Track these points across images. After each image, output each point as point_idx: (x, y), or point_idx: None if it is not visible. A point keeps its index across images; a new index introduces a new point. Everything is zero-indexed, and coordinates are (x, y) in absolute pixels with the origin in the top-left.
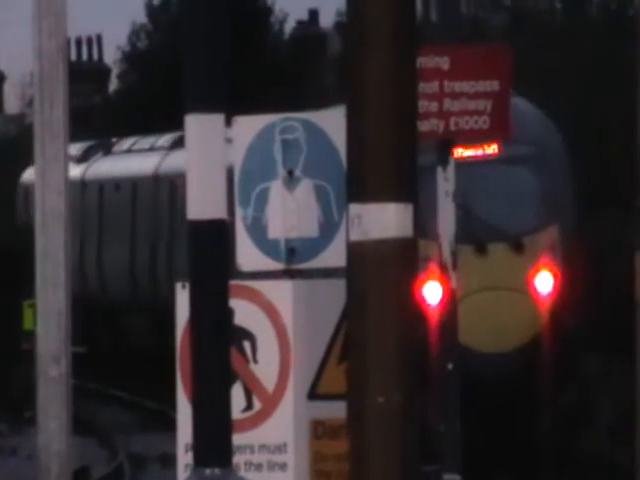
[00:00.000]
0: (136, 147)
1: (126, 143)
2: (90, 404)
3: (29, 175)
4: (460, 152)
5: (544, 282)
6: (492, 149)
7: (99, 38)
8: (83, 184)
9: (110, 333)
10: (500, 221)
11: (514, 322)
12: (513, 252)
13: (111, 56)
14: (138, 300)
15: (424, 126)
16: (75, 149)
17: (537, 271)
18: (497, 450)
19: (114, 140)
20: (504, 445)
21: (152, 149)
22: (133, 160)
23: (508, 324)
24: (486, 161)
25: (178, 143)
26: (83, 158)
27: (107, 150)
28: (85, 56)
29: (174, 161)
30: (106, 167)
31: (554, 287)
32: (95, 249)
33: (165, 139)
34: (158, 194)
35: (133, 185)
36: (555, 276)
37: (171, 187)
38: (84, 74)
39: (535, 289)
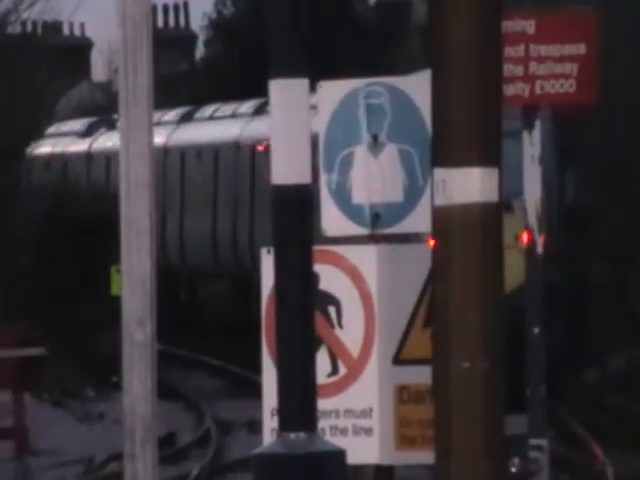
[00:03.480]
0: (218, 114)
1: (208, 110)
2: (177, 370)
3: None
4: None
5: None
6: None
7: (186, 5)
8: (165, 151)
9: (194, 301)
10: None
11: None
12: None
13: (197, 23)
14: (221, 267)
15: (509, 90)
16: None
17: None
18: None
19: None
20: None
21: (234, 116)
22: (215, 127)
23: None
24: None
25: (260, 110)
26: (87, 133)
27: (110, 125)
28: (172, 23)
29: (256, 128)
30: (188, 134)
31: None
32: (177, 217)
33: (247, 106)
34: (240, 161)
35: (215, 152)
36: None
37: (253, 154)
38: (170, 41)
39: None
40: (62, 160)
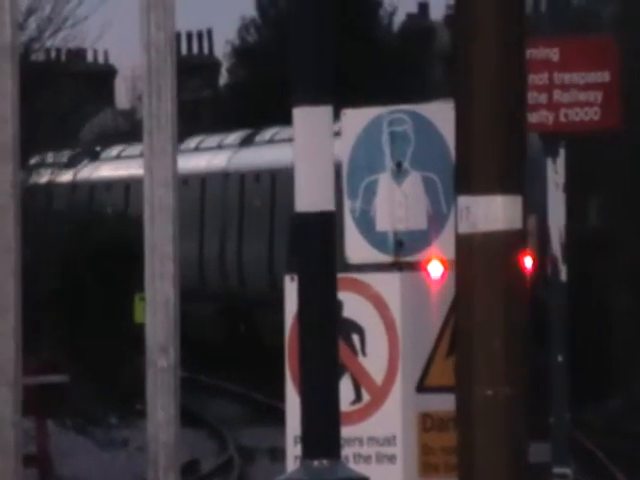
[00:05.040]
0: (278, 137)
1: (268, 133)
2: (200, 397)
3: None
4: None
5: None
6: None
7: (209, 32)
8: (225, 175)
9: (253, 330)
10: None
11: None
12: None
13: (221, 50)
14: (278, 295)
15: (533, 118)
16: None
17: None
18: None
19: (98, 149)
20: None
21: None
22: (274, 151)
23: None
24: None
25: None
26: (69, 164)
27: (94, 157)
28: (195, 50)
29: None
30: (247, 158)
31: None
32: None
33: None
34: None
35: (272, 176)
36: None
37: None
38: (194, 68)
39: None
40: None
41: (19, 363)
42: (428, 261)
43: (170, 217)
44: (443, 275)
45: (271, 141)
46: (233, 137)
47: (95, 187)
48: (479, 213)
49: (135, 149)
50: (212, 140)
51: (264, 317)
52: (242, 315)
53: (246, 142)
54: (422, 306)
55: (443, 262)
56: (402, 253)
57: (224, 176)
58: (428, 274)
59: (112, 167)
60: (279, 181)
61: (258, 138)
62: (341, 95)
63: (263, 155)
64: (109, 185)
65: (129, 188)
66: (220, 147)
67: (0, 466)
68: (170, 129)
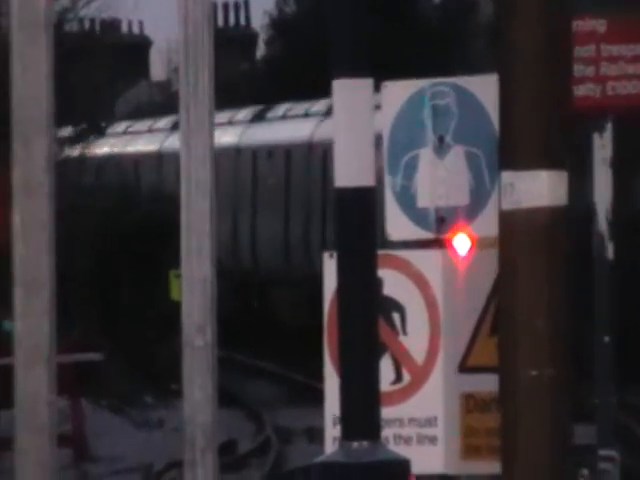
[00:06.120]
0: (291, 113)
1: (280, 109)
2: (237, 377)
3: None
4: None
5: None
6: None
7: (246, 3)
8: (237, 150)
9: (262, 306)
10: None
11: None
12: None
13: (258, 22)
14: (291, 272)
15: (580, 91)
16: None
17: None
18: None
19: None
20: None
21: (307, 115)
22: (287, 126)
23: None
24: None
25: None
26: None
27: (100, 133)
28: (232, 21)
29: (329, 128)
30: (260, 133)
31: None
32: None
33: (320, 105)
34: (312, 162)
35: (287, 152)
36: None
37: (325, 155)
38: (231, 40)
39: None
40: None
41: (54, 341)
42: (453, 236)
43: (207, 193)
44: (470, 251)
45: (284, 117)
46: (245, 113)
47: (128, 161)
48: (523, 189)
49: (169, 121)
50: (223, 116)
51: (279, 294)
52: (255, 292)
53: (258, 118)
54: (464, 284)
55: (471, 237)
56: (444, 230)
57: (236, 152)
58: (455, 250)
59: (146, 140)
60: (293, 157)
61: (270, 114)
62: (382, 68)
63: (276, 131)
64: (141, 159)
65: (162, 161)
66: (231, 123)
67: (35, 445)
68: (208, 103)
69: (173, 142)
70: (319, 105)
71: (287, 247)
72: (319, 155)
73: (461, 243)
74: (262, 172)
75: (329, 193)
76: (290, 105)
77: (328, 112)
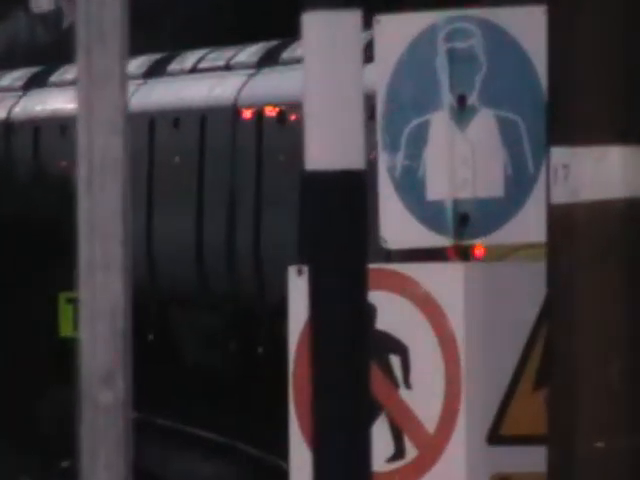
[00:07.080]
0: (204, 65)
1: (188, 60)
2: (161, 449)
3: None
4: None
5: None
6: None
7: None
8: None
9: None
10: None
11: None
12: None
13: None
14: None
15: None
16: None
17: None
18: None
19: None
20: None
21: (228, 68)
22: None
23: None
24: None
25: (266, 60)
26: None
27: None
28: None
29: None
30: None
31: None
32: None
33: (250, 53)
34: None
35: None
36: None
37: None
38: None
39: None
40: None
41: None
42: (480, 243)
43: (118, 175)
44: (505, 264)
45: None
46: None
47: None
48: (584, 173)
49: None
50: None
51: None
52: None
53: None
54: (496, 314)
55: (506, 244)
56: (467, 234)
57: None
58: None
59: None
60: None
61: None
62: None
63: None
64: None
65: (64, 131)
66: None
67: None
68: (118, 45)
69: (27, 106)
70: (247, 54)
71: (199, 254)
72: (248, 123)
73: (492, 253)
74: (165, 146)
75: (270, 179)
76: (203, 53)
77: (260, 63)
